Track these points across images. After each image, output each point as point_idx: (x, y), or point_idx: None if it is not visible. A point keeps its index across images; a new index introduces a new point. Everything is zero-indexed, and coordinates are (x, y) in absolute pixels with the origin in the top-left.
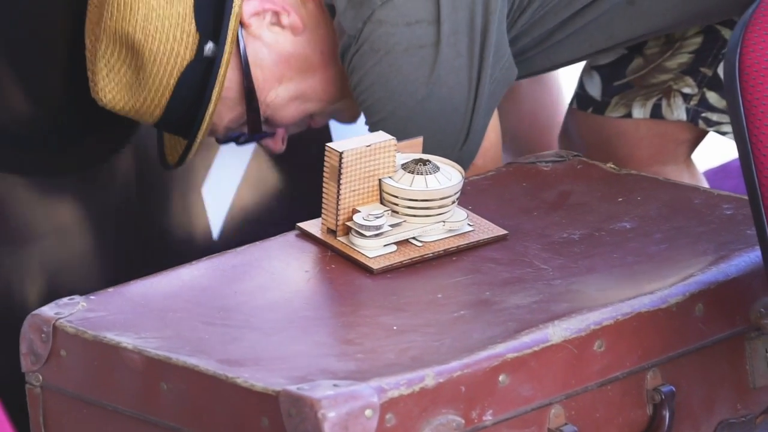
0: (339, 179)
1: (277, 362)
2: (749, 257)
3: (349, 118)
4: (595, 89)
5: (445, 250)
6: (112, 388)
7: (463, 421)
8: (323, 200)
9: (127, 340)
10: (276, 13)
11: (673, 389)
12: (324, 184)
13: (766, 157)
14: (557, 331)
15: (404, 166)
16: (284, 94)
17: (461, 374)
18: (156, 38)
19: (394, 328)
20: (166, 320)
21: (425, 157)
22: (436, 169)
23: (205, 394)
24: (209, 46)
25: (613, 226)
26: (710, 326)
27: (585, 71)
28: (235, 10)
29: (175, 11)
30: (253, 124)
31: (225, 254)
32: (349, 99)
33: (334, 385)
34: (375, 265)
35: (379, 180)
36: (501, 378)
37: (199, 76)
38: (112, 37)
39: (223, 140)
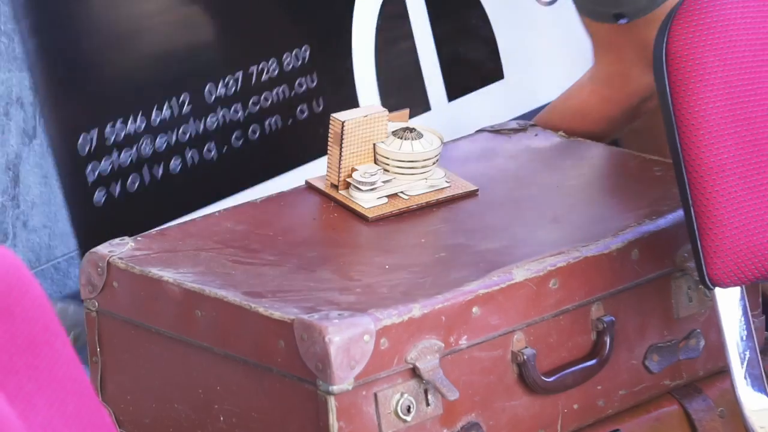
0: (341, 143)
1: (290, 294)
2: (675, 212)
3: None
4: None
5: (426, 202)
6: (155, 314)
7: (442, 345)
8: (328, 160)
9: (167, 275)
10: None
11: (613, 319)
12: (329, 147)
13: (686, 126)
14: (520, 272)
15: (394, 133)
16: None
17: (442, 306)
18: None
19: (386, 266)
20: (200, 259)
21: (411, 125)
22: (420, 135)
23: (232, 320)
24: None
25: (564, 184)
26: (643, 268)
27: None
28: None
29: None
30: None
31: (247, 204)
32: None
33: (339, 315)
34: (370, 214)
35: (374, 144)
36: (474, 310)
37: None
38: None
39: None
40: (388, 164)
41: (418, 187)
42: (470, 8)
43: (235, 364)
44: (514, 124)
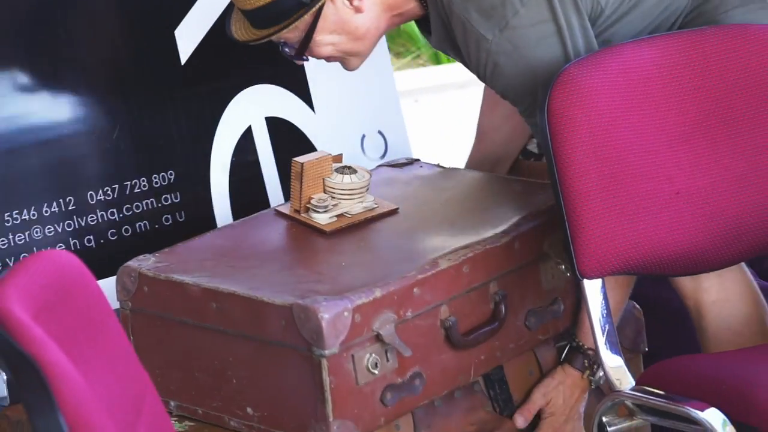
0: (301, 179)
1: (281, 287)
2: (541, 215)
3: (352, 70)
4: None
5: (364, 218)
6: (179, 308)
7: (396, 317)
8: (291, 192)
9: (187, 278)
10: None
11: (505, 293)
12: (292, 183)
13: (560, 162)
14: (444, 262)
15: (337, 170)
16: (328, 41)
17: (394, 289)
18: None
19: (343, 264)
20: (205, 266)
21: (348, 165)
22: (355, 171)
23: (240, 308)
24: None
25: (452, 199)
26: (522, 255)
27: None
28: None
29: None
30: (301, 48)
31: (229, 226)
32: (363, 59)
33: (324, 299)
34: (327, 229)
35: (323, 179)
36: (415, 290)
37: (288, 5)
38: None
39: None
40: (334, 193)
41: (356, 208)
42: None
43: (244, 340)
44: (403, 159)
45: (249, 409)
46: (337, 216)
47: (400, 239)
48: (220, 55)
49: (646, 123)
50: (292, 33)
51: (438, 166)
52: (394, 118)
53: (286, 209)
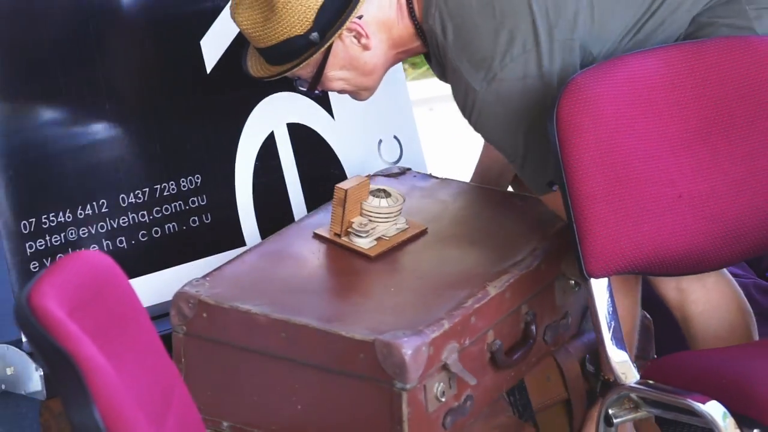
0: (344, 204)
1: (350, 318)
2: (555, 232)
3: (362, 101)
4: None
5: (401, 240)
6: (241, 335)
7: (458, 345)
8: (332, 216)
9: (250, 307)
10: (359, 34)
11: (535, 313)
12: (333, 207)
13: (568, 167)
14: (492, 289)
15: (372, 193)
16: (338, 76)
17: (457, 320)
18: (288, 13)
19: (392, 289)
20: (266, 293)
21: (381, 187)
22: (389, 195)
23: (312, 339)
24: (314, 35)
25: (460, 215)
26: (547, 276)
27: None
28: (342, 27)
29: (308, 4)
30: (313, 83)
31: (267, 244)
32: (372, 92)
33: (404, 334)
34: (371, 254)
35: (361, 203)
36: (472, 319)
37: (300, 44)
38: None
39: (295, 84)
40: (371, 216)
41: (391, 230)
42: None
43: (311, 368)
44: (396, 169)
45: None
46: (376, 240)
47: (439, 262)
48: None
49: (650, 130)
50: (304, 70)
51: (430, 176)
52: (408, 124)
53: (324, 232)
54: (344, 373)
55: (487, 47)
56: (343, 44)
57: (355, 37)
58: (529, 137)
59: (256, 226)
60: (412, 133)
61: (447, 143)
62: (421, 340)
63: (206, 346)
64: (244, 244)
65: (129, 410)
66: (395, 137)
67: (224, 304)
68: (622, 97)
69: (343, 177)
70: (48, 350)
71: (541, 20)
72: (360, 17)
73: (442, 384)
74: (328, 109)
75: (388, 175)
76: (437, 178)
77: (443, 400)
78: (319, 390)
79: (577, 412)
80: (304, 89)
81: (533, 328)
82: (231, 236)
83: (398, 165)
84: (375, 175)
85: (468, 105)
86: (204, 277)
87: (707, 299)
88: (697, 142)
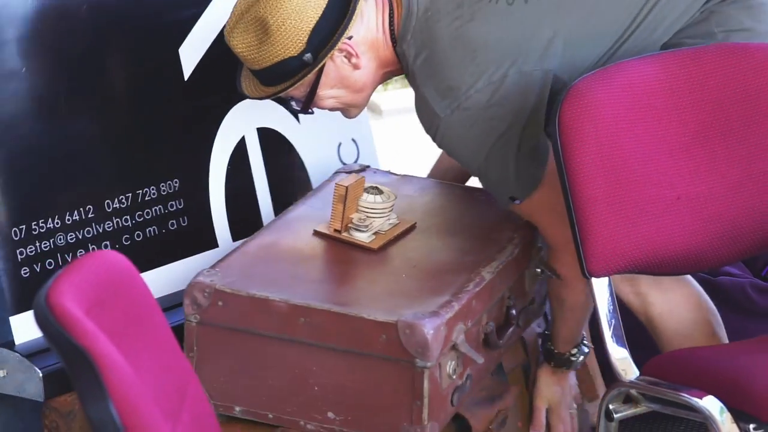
0: (345, 201)
1: (367, 303)
2: (528, 226)
3: (352, 118)
4: None
5: (396, 234)
6: (259, 321)
7: (464, 327)
8: (332, 213)
9: (268, 294)
10: (350, 54)
11: (515, 298)
12: (334, 205)
13: (570, 170)
14: (487, 274)
15: (366, 191)
16: (330, 95)
17: (465, 302)
18: (282, 35)
19: (403, 276)
20: (273, 281)
21: (373, 185)
22: (381, 191)
23: (332, 323)
24: (308, 56)
25: (437, 210)
26: (523, 263)
27: None
28: (334, 48)
29: (301, 26)
30: (307, 103)
31: (265, 234)
32: (361, 109)
33: (422, 314)
34: (374, 246)
35: (357, 200)
36: (473, 302)
37: (293, 65)
38: (253, 21)
39: (285, 103)
40: (368, 212)
41: (386, 225)
42: None
43: (328, 351)
44: (356, 166)
45: (330, 414)
46: (374, 234)
47: (432, 251)
48: (219, 71)
49: (650, 133)
50: (297, 90)
51: (390, 173)
52: (364, 127)
53: (324, 229)
54: (364, 354)
55: (454, 77)
56: (335, 64)
57: (345, 57)
58: (491, 158)
59: (228, 229)
60: (368, 135)
61: (399, 147)
62: (440, 320)
63: (220, 334)
64: (217, 246)
65: (145, 406)
66: (353, 140)
67: (241, 292)
68: (621, 102)
69: (307, 178)
70: (66, 348)
71: (511, 52)
72: (350, 38)
73: (453, 362)
74: (294, 113)
75: (349, 171)
76: (397, 174)
77: (454, 378)
78: (337, 371)
79: (534, 371)
80: (298, 109)
81: (513, 312)
82: (205, 238)
83: (358, 163)
84: (337, 172)
85: (432, 128)
86: (213, 267)
87: (664, 300)
88: (695, 145)
